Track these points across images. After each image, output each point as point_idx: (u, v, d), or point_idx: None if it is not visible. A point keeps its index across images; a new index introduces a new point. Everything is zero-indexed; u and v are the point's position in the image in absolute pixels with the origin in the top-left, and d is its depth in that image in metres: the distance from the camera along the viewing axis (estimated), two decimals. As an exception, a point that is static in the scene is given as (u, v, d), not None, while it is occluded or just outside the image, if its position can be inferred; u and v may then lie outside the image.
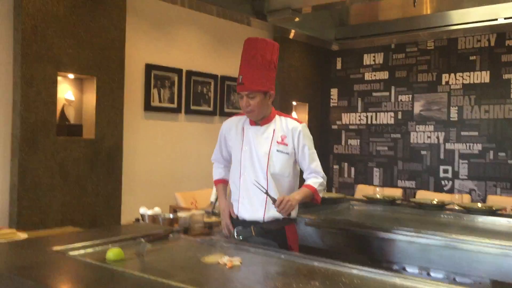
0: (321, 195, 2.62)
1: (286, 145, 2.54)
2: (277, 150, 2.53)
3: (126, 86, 4.50)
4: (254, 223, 2.52)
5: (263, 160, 2.52)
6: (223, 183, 2.83)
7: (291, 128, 2.56)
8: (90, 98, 4.26)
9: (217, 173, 2.85)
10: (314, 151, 2.62)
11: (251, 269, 1.98)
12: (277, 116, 2.62)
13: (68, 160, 4.01)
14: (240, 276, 1.87)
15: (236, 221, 2.62)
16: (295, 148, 2.56)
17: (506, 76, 5.75)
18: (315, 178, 2.59)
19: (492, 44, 5.85)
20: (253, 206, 2.54)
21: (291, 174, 2.58)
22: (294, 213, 2.60)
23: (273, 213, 2.50)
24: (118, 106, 4.36)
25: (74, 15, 4.02)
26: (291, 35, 6.31)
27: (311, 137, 2.64)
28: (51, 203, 3.90)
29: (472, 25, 5.61)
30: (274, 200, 2.39)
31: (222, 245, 2.33)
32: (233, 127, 2.68)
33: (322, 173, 2.62)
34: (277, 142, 2.54)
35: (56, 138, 3.94)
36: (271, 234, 2.49)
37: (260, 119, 2.58)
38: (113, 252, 1.97)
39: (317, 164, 2.60)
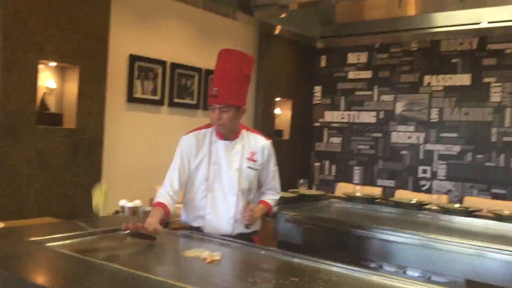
0: (274, 210, 2.80)
1: (255, 161, 2.57)
2: (248, 167, 2.54)
3: (109, 76, 4.45)
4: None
5: (234, 177, 2.51)
6: (163, 208, 2.42)
7: (261, 145, 2.60)
8: (72, 87, 4.20)
9: (163, 197, 2.45)
10: (277, 168, 2.72)
11: (231, 264, 1.99)
12: (244, 131, 2.59)
13: (47, 150, 3.95)
14: (220, 271, 1.87)
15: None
16: (263, 165, 2.62)
17: (486, 80, 5.85)
18: (272, 196, 2.74)
19: (474, 47, 5.93)
20: (220, 223, 2.52)
21: (255, 188, 2.66)
22: (257, 226, 2.67)
23: (240, 229, 2.53)
24: (100, 96, 4.31)
25: (57, 2, 3.95)
26: (277, 31, 6.31)
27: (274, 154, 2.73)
28: (29, 192, 3.84)
29: (455, 28, 5.68)
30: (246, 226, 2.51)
31: (203, 239, 2.33)
32: (196, 144, 2.51)
33: (279, 189, 2.79)
34: (247, 158, 2.54)
35: (35, 127, 3.88)
36: None
37: (229, 134, 2.53)
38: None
39: (277, 181, 2.74)
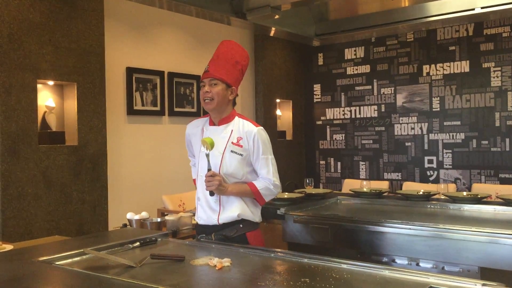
0: (266, 200, 2.56)
1: (241, 146, 2.49)
2: (231, 151, 2.48)
3: (107, 90, 4.46)
4: (212, 227, 2.50)
5: (217, 159, 2.49)
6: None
7: (246, 131, 2.50)
8: (71, 105, 4.21)
9: (194, 171, 2.76)
10: (269, 156, 2.53)
11: (241, 269, 1.97)
12: (236, 118, 2.58)
13: (51, 168, 3.96)
14: (231, 277, 1.86)
15: (196, 227, 2.62)
16: (250, 152, 2.51)
17: (485, 65, 5.82)
18: (265, 183, 2.52)
19: (471, 33, 5.91)
20: (210, 207, 2.51)
21: (245, 177, 2.52)
22: (258, 218, 2.58)
23: (227, 214, 2.49)
24: (100, 111, 4.32)
25: (51, 21, 3.97)
26: (272, 33, 6.31)
27: (268, 142, 2.56)
28: (36, 212, 3.84)
29: (450, 15, 5.66)
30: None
31: (211, 247, 2.32)
32: (195, 130, 2.66)
33: (273, 179, 2.53)
34: (232, 142, 2.49)
35: (38, 146, 3.89)
36: (232, 242, 2.43)
37: (218, 118, 2.55)
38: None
39: (268, 171, 2.52)
